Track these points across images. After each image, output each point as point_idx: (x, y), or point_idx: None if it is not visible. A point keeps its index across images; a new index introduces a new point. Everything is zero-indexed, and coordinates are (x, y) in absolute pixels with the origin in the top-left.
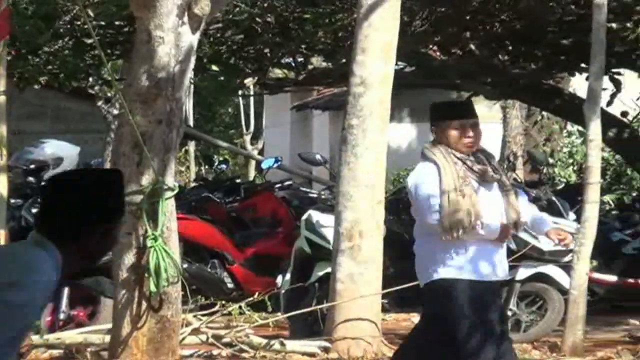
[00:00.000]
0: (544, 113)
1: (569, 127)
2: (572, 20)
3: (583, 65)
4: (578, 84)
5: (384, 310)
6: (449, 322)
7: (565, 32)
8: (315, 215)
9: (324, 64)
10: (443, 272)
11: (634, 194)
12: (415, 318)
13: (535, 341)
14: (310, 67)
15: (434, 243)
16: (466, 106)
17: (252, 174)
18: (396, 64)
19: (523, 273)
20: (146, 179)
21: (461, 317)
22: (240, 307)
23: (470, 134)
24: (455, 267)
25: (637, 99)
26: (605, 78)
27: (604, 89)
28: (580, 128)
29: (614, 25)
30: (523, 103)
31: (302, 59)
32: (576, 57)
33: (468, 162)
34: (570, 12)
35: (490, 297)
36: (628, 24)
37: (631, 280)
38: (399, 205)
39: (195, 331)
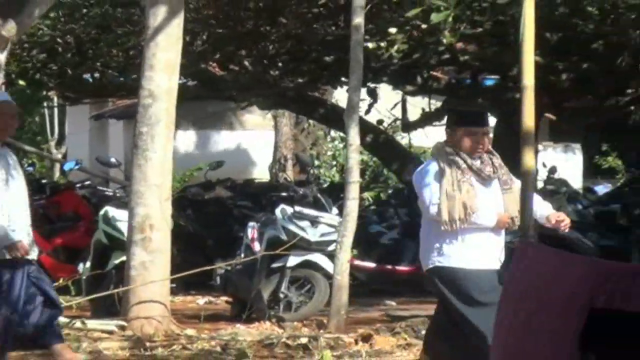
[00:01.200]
0: (310, 121)
1: (332, 133)
2: (333, 40)
3: (343, 79)
4: (339, 96)
5: (173, 293)
6: (450, 308)
7: (328, 50)
8: (111, 211)
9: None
10: (443, 260)
11: (390, 192)
12: (201, 300)
13: (304, 320)
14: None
15: (434, 232)
16: (479, 116)
17: (56, 175)
18: (180, 79)
19: (293, 260)
20: None
21: (462, 304)
22: None
23: (480, 141)
24: (454, 256)
25: (391, 108)
26: (363, 90)
27: (362, 100)
28: (342, 134)
29: (369, 44)
30: (292, 112)
31: (98, 75)
32: (337, 72)
33: (469, 162)
34: (331, 33)
35: (488, 284)
36: (382, 44)
37: (388, 267)
38: (185, 201)
39: None
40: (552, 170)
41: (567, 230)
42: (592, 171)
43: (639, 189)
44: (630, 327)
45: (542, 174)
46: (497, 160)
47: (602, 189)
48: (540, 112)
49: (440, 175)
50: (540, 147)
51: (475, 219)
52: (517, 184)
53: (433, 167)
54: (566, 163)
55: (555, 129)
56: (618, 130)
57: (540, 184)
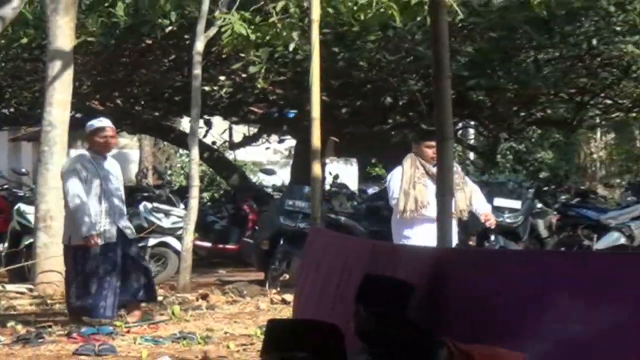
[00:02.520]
0: (165, 142)
1: (180, 151)
2: (180, 85)
3: (187, 112)
4: (185, 124)
5: None
6: None
7: (176, 92)
8: (22, 206)
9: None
10: (405, 241)
11: (221, 192)
12: None
13: (160, 284)
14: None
15: (396, 220)
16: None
17: None
18: (71, 112)
19: (152, 241)
20: None
21: None
22: None
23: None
24: (407, 238)
25: (221, 133)
26: (201, 121)
27: (201, 127)
28: (187, 151)
29: (206, 88)
30: (152, 136)
31: (13, 109)
32: (183, 108)
33: (426, 167)
34: (179, 80)
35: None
36: (215, 87)
37: (220, 246)
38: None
39: None
40: (336, 177)
41: (492, 227)
42: (364, 177)
43: None
44: (393, 289)
45: (329, 180)
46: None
47: (371, 190)
48: (327, 136)
49: (402, 177)
50: (327, 160)
51: (425, 212)
52: (468, 184)
53: (398, 170)
54: (346, 172)
55: (338, 148)
56: (383, 148)
57: (327, 187)
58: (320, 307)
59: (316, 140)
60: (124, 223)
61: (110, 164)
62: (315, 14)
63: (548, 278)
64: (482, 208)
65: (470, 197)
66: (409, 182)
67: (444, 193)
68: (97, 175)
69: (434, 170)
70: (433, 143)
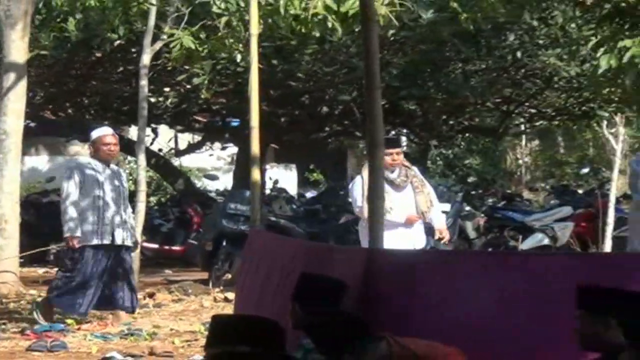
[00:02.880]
0: None
1: (129, 157)
2: (128, 95)
3: (135, 122)
4: (133, 133)
5: (21, 265)
6: None
7: (124, 102)
8: None
9: None
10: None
11: (168, 197)
12: (40, 270)
13: None
14: None
15: (363, 227)
16: (393, 141)
17: None
18: (25, 122)
19: None
20: None
21: None
22: None
23: (394, 158)
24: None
25: (168, 141)
26: (149, 129)
27: (148, 136)
28: (135, 158)
29: (152, 99)
30: None
31: None
32: (131, 117)
33: (385, 174)
34: (127, 91)
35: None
36: (160, 98)
37: (166, 247)
38: (29, 204)
39: None
40: (276, 182)
41: (446, 244)
42: (303, 182)
43: (333, 194)
44: (327, 287)
45: (270, 184)
46: (411, 172)
47: (310, 194)
48: (267, 143)
49: (363, 185)
50: (267, 166)
51: (389, 217)
52: (427, 187)
53: (358, 179)
54: (286, 177)
55: (278, 154)
56: (320, 154)
57: (268, 191)
58: (260, 305)
59: (255, 147)
60: (123, 232)
61: (113, 173)
62: (254, 28)
63: (475, 276)
64: (438, 222)
65: (430, 199)
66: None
67: (375, 197)
68: (96, 182)
69: (392, 176)
70: (391, 150)
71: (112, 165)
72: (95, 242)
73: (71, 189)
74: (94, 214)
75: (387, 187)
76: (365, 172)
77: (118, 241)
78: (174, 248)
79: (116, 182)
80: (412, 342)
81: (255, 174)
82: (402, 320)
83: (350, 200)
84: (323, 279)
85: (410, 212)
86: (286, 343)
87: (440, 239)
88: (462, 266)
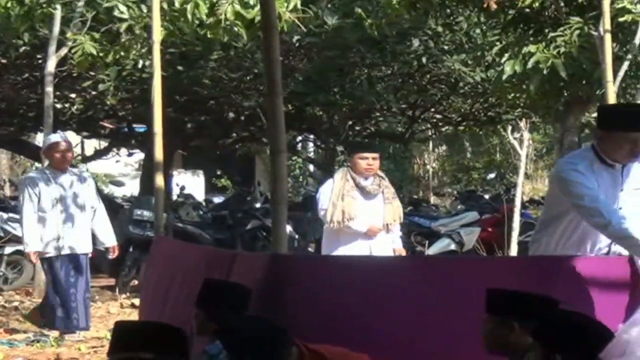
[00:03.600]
0: (21, 156)
1: (37, 163)
2: (34, 102)
3: (41, 128)
4: (40, 139)
5: None
6: None
7: (30, 108)
8: None
9: None
10: (326, 251)
11: None
12: None
13: (17, 289)
14: None
15: (325, 231)
16: (369, 144)
17: None
18: None
19: (8, 250)
20: None
21: None
22: None
23: (369, 163)
24: (335, 249)
25: (74, 147)
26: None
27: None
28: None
29: (58, 105)
30: (9, 150)
31: None
32: (37, 123)
33: (356, 180)
34: (33, 98)
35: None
36: (66, 104)
37: None
38: None
39: None
40: (182, 187)
41: None
42: (210, 188)
43: (240, 200)
44: (231, 293)
45: (176, 190)
46: (384, 182)
47: (217, 200)
48: (174, 149)
49: (332, 189)
50: (175, 172)
51: (352, 224)
52: (397, 201)
53: (329, 183)
54: (193, 183)
55: (185, 160)
56: (228, 160)
57: (174, 197)
58: (164, 311)
59: (158, 153)
60: (75, 238)
61: (68, 179)
62: (157, 35)
63: (382, 281)
64: (398, 242)
65: (399, 213)
66: (338, 195)
67: (276, 202)
68: (52, 191)
69: (364, 183)
70: (367, 154)
71: (70, 173)
72: (55, 252)
73: (25, 203)
74: (50, 223)
75: (355, 194)
76: (338, 176)
77: (78, 250)
78: None
79: (73, 190)
80: (323, 348)
81: (159, 180)
82: (307, 325)
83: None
84: (226, 285)
85: (374, 222)
86: (190, 349)
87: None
88: (368, 271)
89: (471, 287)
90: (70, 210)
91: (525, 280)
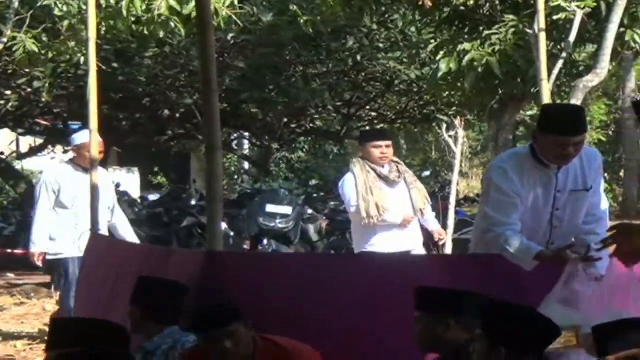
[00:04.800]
0: None
1: None
2: None
3: None
4: None
5: None
6: None
7: None
8: None
9: None
10: (369, 247)
11: (10, 199)
12: None
13: None
14: None
15: (359, 227)
16: (381, 133)
17: None
18: None
19: None
20: None
21: None
22: None
23: (384, 150)
24: (372, 245)
25: (9, 144)
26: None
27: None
28: None
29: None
30: None
31: None
32: None
33: (377, 170)
34: None
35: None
36: (1, 102)
37: (8, 250)
38: None
39: None
40: (117, 185)
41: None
42: (146, 185)
43: (175, 198)
44: (166, 290)
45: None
46: (402, 167)
47: (153, 197)
48: (109, 146)
49: (355, 182)
50: (110, 169)
51: (386, 217)
52: (419, 182)
53: (349, 177)
54: (129, 180)
55: (121, 158)
56: (164, 157)
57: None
58: (99, 309)
59: (94, 150)
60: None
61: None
62: (92, 32)
63: (317, 275)
64: (434, 223)
65: (425, 195)
66: (365, 188)
67: (212, 199)
68: (72, 188)
69: (384, 171)
70: (380, 143)
71: (101, 169)
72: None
73: (41, 199)
74: (64, 221)
75: (381, 184)
76: (356, 168)
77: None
78: (16, 251)
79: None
80: (280, 339)
81: (94, 178)
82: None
83: (343, 200)
84: (161, 282)
85: (406, 212)
86: (128, 345)
87: (439, 240)
88: (300, 267)
89: (404, 284)
90: (82, 210)
91: (461, 278)
